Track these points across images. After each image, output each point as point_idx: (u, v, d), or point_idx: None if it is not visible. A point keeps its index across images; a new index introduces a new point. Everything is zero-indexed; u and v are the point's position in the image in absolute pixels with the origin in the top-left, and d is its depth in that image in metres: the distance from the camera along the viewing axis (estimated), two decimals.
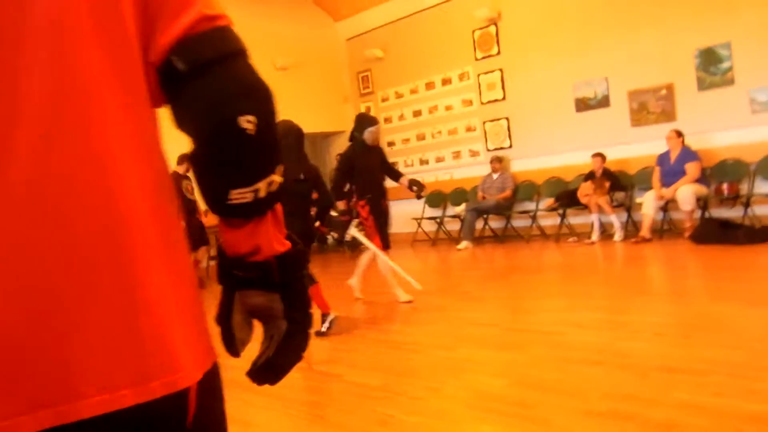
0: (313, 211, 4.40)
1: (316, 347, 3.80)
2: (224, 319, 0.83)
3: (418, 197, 5.71)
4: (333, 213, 5.06)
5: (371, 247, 5.09)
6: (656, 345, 3.31)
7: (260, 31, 10.36)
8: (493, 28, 9.20)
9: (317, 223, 4.59)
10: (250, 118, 0.72)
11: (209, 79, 0.72)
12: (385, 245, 5.21)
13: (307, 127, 10.98)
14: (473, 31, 9.42)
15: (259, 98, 0.77)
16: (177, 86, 0.72)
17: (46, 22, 0.63)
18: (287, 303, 0.82)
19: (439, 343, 3.93)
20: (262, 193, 0.75)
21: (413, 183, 5.54)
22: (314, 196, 4.22)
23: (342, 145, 11.57)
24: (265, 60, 10.38)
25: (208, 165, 0.75)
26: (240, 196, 0.74)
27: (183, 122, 0.74)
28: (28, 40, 0.62)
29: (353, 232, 5.04)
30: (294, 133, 4.12)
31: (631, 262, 6.36)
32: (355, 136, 5.30)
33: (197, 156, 0.75)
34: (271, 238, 0.80)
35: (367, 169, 5.21)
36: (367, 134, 5.24)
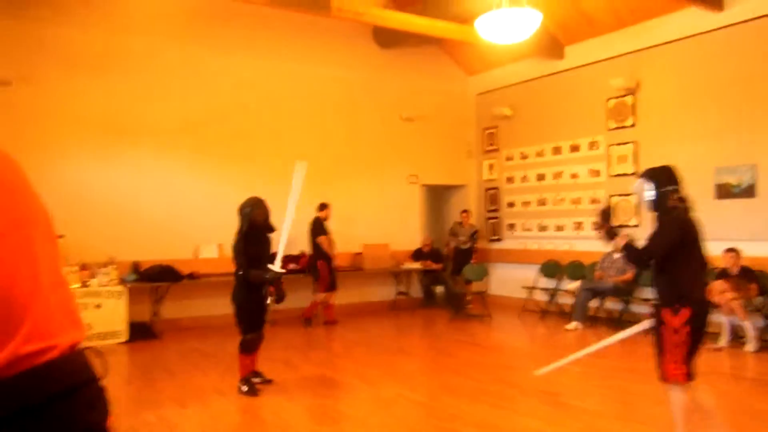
0: None
1: None
2: None
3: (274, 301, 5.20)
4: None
5: None
6: None
7: (391, 82, 10.53)
8: (630, 98, 8.63)
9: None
10: None
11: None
12: None
13: (430, 179, 11.16)
14: (608, 100, 8.90)
15: None
16: None
17: None
18: None
19: None
20: None
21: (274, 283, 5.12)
22: None
23: (464, 198, 11.42)
24: (392, 111, 10.52)
25: None
26: None
27: None
28: None
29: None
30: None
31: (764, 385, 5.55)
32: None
33: None
34: None
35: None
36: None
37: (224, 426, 4.39)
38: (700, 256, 3.52)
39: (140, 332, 7.87)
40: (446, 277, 10.22)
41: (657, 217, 3.56)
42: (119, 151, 8.26)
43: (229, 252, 8.89)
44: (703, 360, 6.37)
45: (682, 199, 3.53)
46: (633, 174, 8.62)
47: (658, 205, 3.52)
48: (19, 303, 0.74)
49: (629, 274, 8.22)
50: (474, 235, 10.34)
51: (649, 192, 3.54)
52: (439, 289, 10.65)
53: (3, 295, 0.74)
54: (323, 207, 8.90)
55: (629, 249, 3.59)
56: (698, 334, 3.39)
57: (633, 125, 8.62)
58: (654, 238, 3.46)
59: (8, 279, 0.75)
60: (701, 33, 7.79)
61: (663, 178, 3.56)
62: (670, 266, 3.42)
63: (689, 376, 3.40)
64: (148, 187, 8.42)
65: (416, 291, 10.73)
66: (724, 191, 7.56)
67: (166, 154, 8.56)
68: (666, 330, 3.37)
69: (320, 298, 8.80)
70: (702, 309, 3.45)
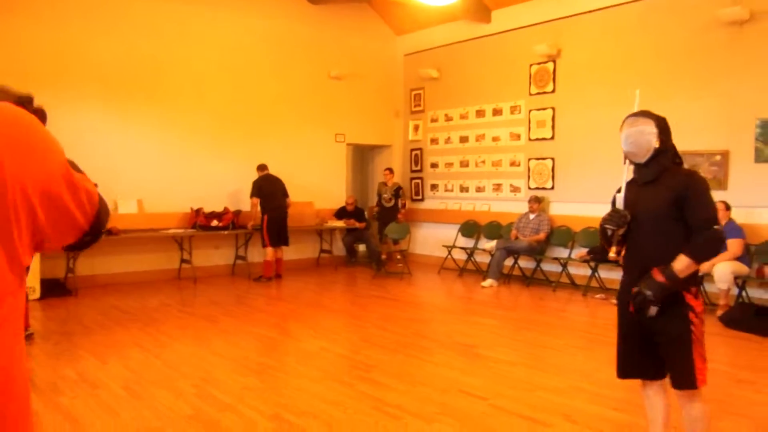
0: None
1: None
2: None
3: None
4: None
5: None
6: None
7: (320, 39, 10.39)
8: (551, 65, 8.93)
9: None
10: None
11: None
12: None
13: (356, 138, 11.18)
14: (530, 65, 9.17)
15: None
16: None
17: None
18: None
19: (420, 409, 3.80)
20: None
21: None
22: None
23: (388, 158, 11.55)
24: (320, 69, 10.42)
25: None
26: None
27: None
28: None
29: None
30: None
31: None
32: None
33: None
34: None
35: None
36: None
37: (146, 380, 4.40)
38: None
39: (54, 289, 7.62)
40: (369, 235, 10.39)
41: (652, 174, 2.76)
42: (40, 96, 7.81)
43: (150, 208, 8.73)
44: (606, 311, 6.90)
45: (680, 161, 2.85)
46: (551, 138, 9.00)
47: (659, 158, 2.74)
48: None
49: (542, 234, 8.64)
50: (398, 192, 10.51)
51: (655, 139, 2.73)
52: (362, 248, 10.82)
53: None
54: (261, 168, 9.02)
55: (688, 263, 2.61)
56: None
57: (553, 91, 8.94)
58: (703, 199, 2.65)
59: None
60: (621, 4, 8.11)
61: (665, 125, 2.81)
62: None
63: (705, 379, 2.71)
64: (63, 138, 8.01)
65: (339, 249, 10.86)
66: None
67: (82, 104, 8.16)
68: (694, 317, 2.66)
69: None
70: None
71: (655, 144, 2.73)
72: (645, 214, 2.75)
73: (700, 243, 2.62)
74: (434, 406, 3.88)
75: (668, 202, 2.67)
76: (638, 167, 2.82)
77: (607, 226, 2.81)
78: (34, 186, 1.01)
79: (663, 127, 2.77)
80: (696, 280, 2.73)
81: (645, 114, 2.80)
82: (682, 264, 2.60)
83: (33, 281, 7.29)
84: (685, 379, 2.65)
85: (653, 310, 2.64)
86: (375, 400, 3.98)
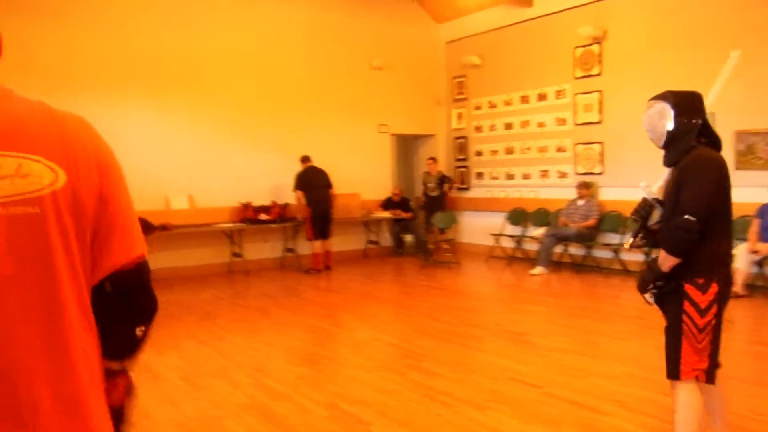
0: None
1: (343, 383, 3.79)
2: None
3: None
4: None
5: None
6: None
7: (361, 29, 10.42)
8: (596, 47, 8.74)
9: None
10: (143, 328, 1.22)
11: (128, 301, 1.17)
12: None
13: (399, 128, 11.19)
14: (575, 48, 8.99)
15: (149, 316, 1.24)
16: (103, 299, 1.13)
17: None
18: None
19: (472, 397, 3.81)
20: (126, 366, 1.25)
21: None
22: None
23: (432, 147, 11.52)
24: (362, 59, 10.45)
25: (108, 344, 1.16)
26: (113, 365, 1.20)
27: (102, 321, 1.13)
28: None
29: None
30: None
31: None
32: None
33: (105, 338, 1.15)
34: (115, 393, 1.24)
35: None
36: None
37: (203, 370, 4.53)
38: (730, 215, 2.65)
39: None
40: (416, 225, 10.40)
41: (673, 158, 2.65)
42: (85, 99, 8.07)
43: (200, 203, 8.94)
44: None
45: (712, 139, 2.65)
46: (598, 122, 8.81)
47: (678, 140, 2.61)
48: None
49: (592, 221, 8.49)
50: (442, 180, 10.46)
51: (669, 121, 2.62)
52: (409, 238, 10.84)
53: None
54: (305, 160, 9.08)
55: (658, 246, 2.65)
56: (721, 317, 2.60)
57: (599, 74, 8.75)
58: (691, 186, 2.50)
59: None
60: None
61: (687, 104, 2.63)
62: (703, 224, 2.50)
63: (710, 375, 2.59)
64: (116, 137, 8.25)
65: (386, 240, 10.91)
66: None
67: (134, 103, 8.41)
68: (689, 309, 2.55)
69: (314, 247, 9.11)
70: (729, 285, 2.64)
71: (669, 126, 2.63)
72: (666, 201, 2.68)
73: (664, 232, 2.60)
74: (486, 393, 3.89)
75: (675, 189, 2.59)
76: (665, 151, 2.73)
77: (633, 216, 2.83)
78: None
79: (682, 107, 2.62)
80: (710, 271, 2.54)
81: (663, 95, 2.70)
82: (661, 254, 2.57)
83: None
84: (668, 368, 2.62)
85: (647, 296, 2.68)
86: (427, 388, 4.01)
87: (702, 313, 2.54)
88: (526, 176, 9.96)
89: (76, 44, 8.03)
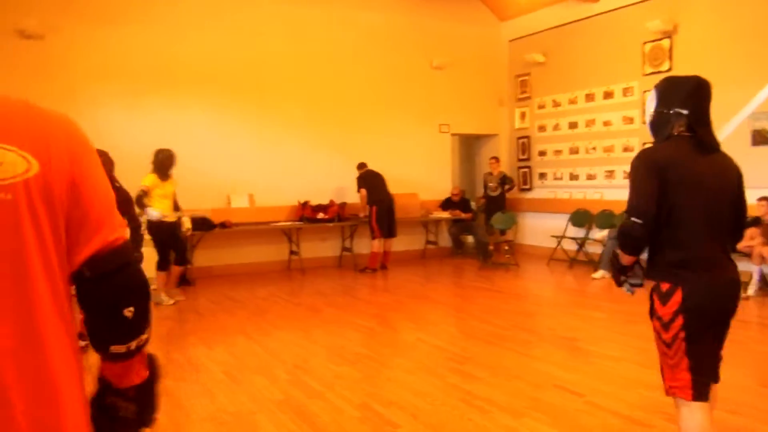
0: None
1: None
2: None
3: None
4: None
5: None
6: None
7: (421, 28, 10.36)
8: (666, 42, 8.32)
9: None
10: (130, 308, 1.16)
11: (106, 283, 1.13)
12: None
13: (461, 128, 11.04)
14: (643, 44, 8.60)
15: (138, 296, 1.19)
16: (83, 284, 1.13)
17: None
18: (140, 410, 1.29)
19: (509, 403, 3.67)
20: (132, 347, 1.19)
21: None
22: None
23: (494, 147, 11.30)
24: (422, 59, 10.38)
25: (102, 329, 1.17)
26: (117, 349, 1.17)
27: (87, 306, 1.14)
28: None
29: None
30: None
31: None
32: None
33: (96, 323, 1.16)
34: (132, 373, 1.25)
35: None
36: None
37: (246, 365, 4.59)
38: (713, 210, 2.34)
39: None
40: (475, 226, 10.22)
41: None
42: (149, 101, 8.38)
43: (260, 202, 9.11)
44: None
45: (697, 130, 2.37)
46: None
47: (655, 131, 2.44)
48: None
49: None
50: (504, 180, 10.22)
51: (650, 110, 2.45)
52: (469, 239, 10.67)
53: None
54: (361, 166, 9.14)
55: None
56: (703, 327, 2.31)
57: (669, 69, 8.31)
58: (631, 185, 2.39)
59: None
60: None
61: (670, 92, 2.39)
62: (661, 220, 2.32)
63: (698, 393, 2.30)
64: (178, 137, 8.54)
65: (445, 240, 10.78)
66: (760, 138, 7.30)
67: (194, 104, 8.66)
68: (654, 323, 2.39)
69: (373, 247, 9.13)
70: (710, 291, 2.31)
71: (649, 117, 2.46)
72: None
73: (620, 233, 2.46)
74: (525, 400, 3.74)
75: None
76: None
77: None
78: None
79: (664, 95, 2.41)
80: (674, 276, 2.30)
81: (659, 81, 2.50)
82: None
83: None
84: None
85: (624, 289, 2.61)
86: (464, 392, 3.90)
87: (665, 327, 2.33)
88: (590, 177, 9.61)
89: (148, 50, 8.34)
